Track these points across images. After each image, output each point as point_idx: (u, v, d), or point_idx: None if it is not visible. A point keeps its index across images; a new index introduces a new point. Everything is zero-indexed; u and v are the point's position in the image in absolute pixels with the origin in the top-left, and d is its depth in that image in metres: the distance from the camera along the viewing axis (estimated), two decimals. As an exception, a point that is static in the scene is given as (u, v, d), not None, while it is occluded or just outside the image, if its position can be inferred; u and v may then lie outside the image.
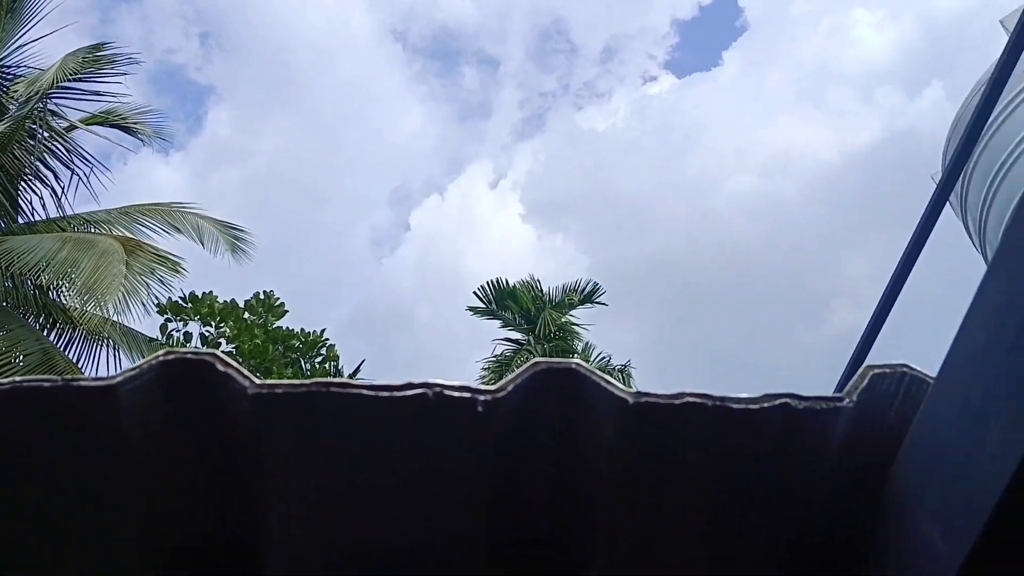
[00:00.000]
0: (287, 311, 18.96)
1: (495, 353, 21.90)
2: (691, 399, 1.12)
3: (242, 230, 18.34)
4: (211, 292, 18.07)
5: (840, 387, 1.54)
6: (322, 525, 1.18)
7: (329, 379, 1.08)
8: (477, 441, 1.12)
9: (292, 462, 1.12)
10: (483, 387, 1.11)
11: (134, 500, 1.17)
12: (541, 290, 22.35)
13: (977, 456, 0.99)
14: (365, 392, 1.08)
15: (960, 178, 6.16)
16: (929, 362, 1.19)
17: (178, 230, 17.19)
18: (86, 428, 1.08)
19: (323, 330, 19.01)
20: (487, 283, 22.63)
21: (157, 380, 1.06)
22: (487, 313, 22.56)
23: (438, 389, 1.09)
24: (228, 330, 18.07)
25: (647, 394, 1.12)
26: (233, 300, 18.44)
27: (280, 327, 18.70)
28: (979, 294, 1.00)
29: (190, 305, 17.56)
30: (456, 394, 1.10)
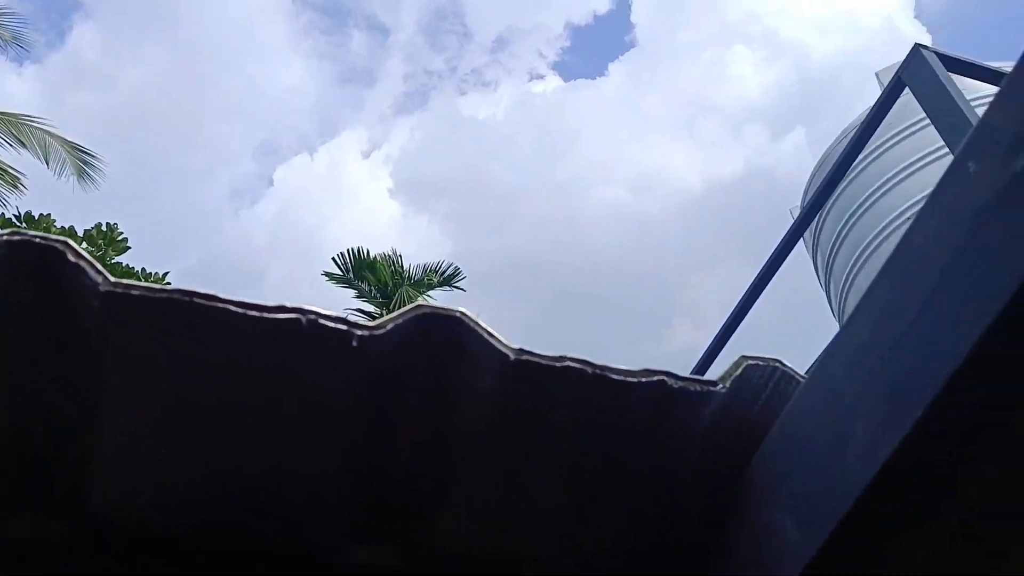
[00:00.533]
0: (129, 247, 17.93)
1: (345, 322, 21.48)
2: (572, 363, 1.10)
3: (92, 155, 17.17)
4: (49, 215, 16.88)
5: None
6: (162, 443, 1.09)
7: (195, 289, 0.98)
8: (349, 375, 1.06)
9: (138, 371, 1.02)
10: (361, 322, 1.05)
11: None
12: (402, 266, 22.12)
13: (842, 454, 1.02)
14: (233, 308, 0.99)
15: (816, 216, 6.50)
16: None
17: (23, 144, 15.96)
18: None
19: (166, 273, 18.11)
20: (347, 251, 22.18)
21: (-4, 260, 0.94)
22: (343, 281, 22.11)
23: (312, 316, 1.02)
24: (62, 258, 16.90)
25: (529, 352, 1.09)
26: (72, 227, 17.28)
27: (119, 263, 17.65)
28: (867, 294, 1.02)
29: (24, 225, 16.32)
30: (331, 324, 1.03)
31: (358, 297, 22.08)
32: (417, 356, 1.10)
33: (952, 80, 4.21)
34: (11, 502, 1.16)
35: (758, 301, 5.23)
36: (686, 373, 1.16)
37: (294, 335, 1.01)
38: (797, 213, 7.82)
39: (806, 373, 1.19)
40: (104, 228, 17.93)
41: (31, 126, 16.13)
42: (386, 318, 1.06)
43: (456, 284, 22.21)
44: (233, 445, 1.12)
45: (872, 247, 6.63)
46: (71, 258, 0.96)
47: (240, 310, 0.99)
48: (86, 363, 1.01)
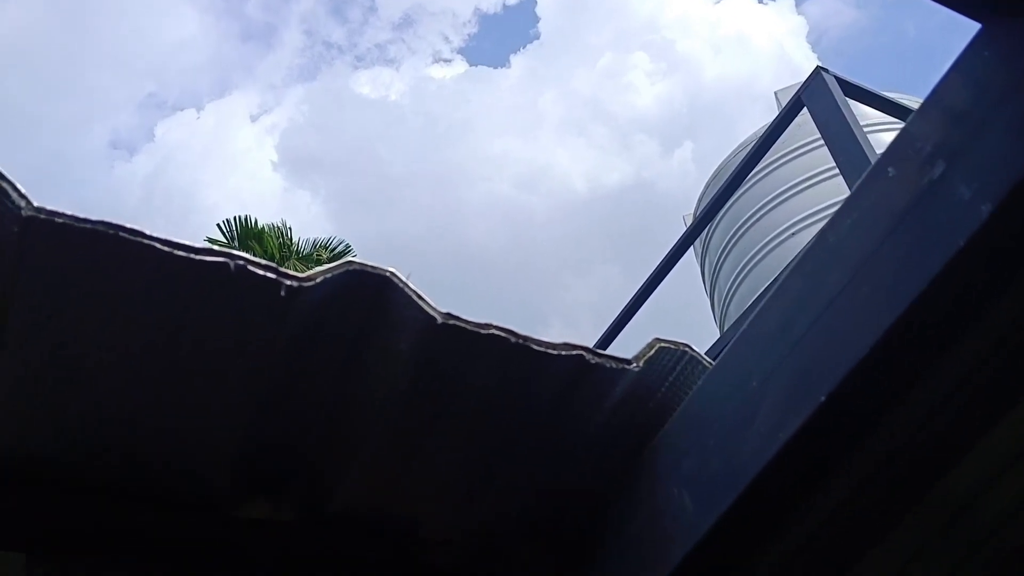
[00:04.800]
0: None
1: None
2: (497, 331, 1.12)
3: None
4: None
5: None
6: (64, 381, 1.05)
7: (122, 222, 0.95)
8: (272, 325, 1.04)
9: (50, 302, 0.98)
10: (290, 272, 1.04)
11: None
12: (291, 239, 21.60)
13: (744, 435, 1.07)
14: (159, 246, 0.97)
15: (708, 225, 6.72)
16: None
17: None
18: None
19: None
20: (234, 218, 21.40)
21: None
22: (228, 249, 21.46)
23: (242, 262, 1.01)
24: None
25: (456, 317, 1.10)
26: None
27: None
28: (780, 287, 1.07)
29: None
30: (260, 272, 1.01)
31: (243, 266, 21.46)
32: (342, 311, 1.09)
33: (848, 104, 4.44)
34: None
35: (642, 306, 5.37)
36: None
37: (220, 279, 0.99)
38: (690, 220, 8.08)
39: (713, 360, 1.25)
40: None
41: None
42: (317, 270, 1.05)
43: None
44: (141, 387, 1.09)
45: (756, 259, 6.91)
46: (-9, 178, 0.91)
47: (166, 248, 0.97)
48: (-4, 289, 0.96)
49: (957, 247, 0.86)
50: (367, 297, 1.09)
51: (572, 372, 1.17)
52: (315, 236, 22.13)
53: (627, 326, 5.43)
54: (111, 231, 0.95)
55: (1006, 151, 0.84)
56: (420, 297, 1.09)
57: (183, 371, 1.08)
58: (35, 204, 0.91)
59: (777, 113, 5.13)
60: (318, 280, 1.04)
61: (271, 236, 21.85)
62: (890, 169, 0.96)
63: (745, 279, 7.24)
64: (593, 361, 1.17)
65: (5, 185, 0.91)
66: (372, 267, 1.09)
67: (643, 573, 1.20)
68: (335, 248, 22.30)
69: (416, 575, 1.35)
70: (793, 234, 6.29)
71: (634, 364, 1.21)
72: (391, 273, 1.09)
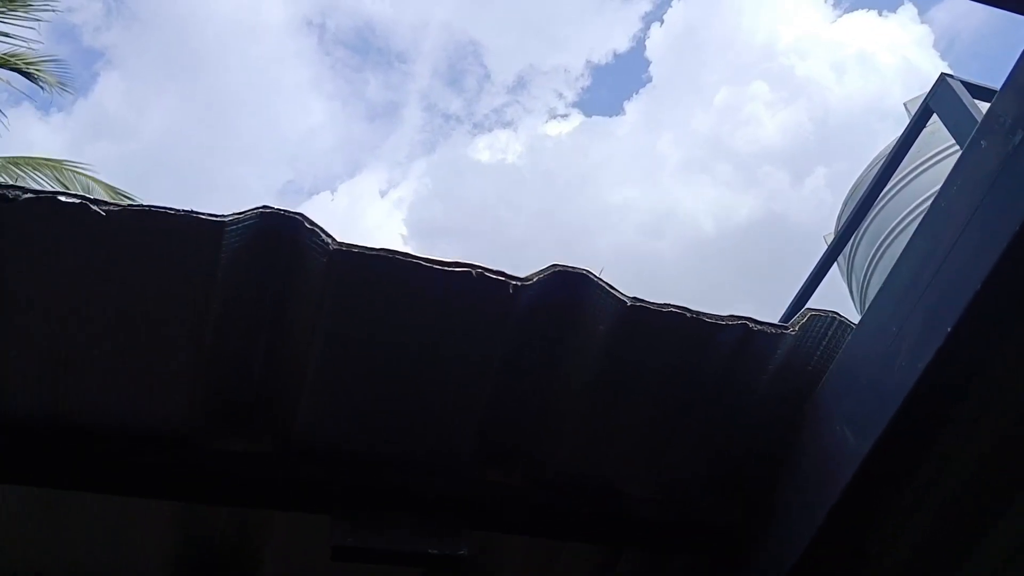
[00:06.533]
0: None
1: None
2: (674, 309, 1.41)
3: (133, 198, 17.80)
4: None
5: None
6: (362, 381, 1.40)
7: (395, 247, 1.31)
8: (501, 319, 1.37)
9: (355, 313, 1.34)
10: (514, 274, 1.36)
11: None
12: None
13: (890, 371, 1.31)
14: (423, 263, 1.32)
15: (850, 242, 6.74)
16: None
17: (67, 189, 16.52)
18: None
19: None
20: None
21: (255, 227, 1.28)
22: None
23: (480, 269, 1.34)
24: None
25: (641, 300, 1.40)
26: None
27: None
28: (908, 246, 1.32)
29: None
30: (493, 276, 1.35)
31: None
32: (552, 302, 1.41)
33: (977, 107, 4.49)
34: None
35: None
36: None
37: (466, 282, 1.33)
38: (830, 240, 8.06)
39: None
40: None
41: (74, 171, 16.75)
42: (531, 273, 1.38)
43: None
44: (416, 378, 1.43)
45: (905, 271, 6.88)
46: (308, 225, 1.29)
47: (427, 264, 1.32)
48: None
49: (1041, 193, 1.10)
50: (570, 288, 1.40)
51: (739, 339, 1.44)
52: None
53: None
54: (389, 255, 1.30)
55: (1070, 114, 1.08)
56: (611, 287, 1.40)
57: (440, 359, 1.42)
58: (339, 240, 1.28)
59: (907, 124, 5.21)
60: (535, 280, 1.37)
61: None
62: (982, 142, 1.21)
63: (895, 293, 7.16)
64: (755, 328, 1.44)
65: (316, 228, 1.28)
66: (572, 267, 1.40)
67: (816, 504, 1.44)
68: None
69: (620, 525, 1.63)
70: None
71: (791, 329, 1.46)
72: (587, 271, 1.40)
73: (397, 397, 1.46)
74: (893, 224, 6.96)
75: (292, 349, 1.40)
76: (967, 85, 4.68)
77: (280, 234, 1.31)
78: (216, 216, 1.24)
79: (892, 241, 7.05)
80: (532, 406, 1.53)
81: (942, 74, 4.75)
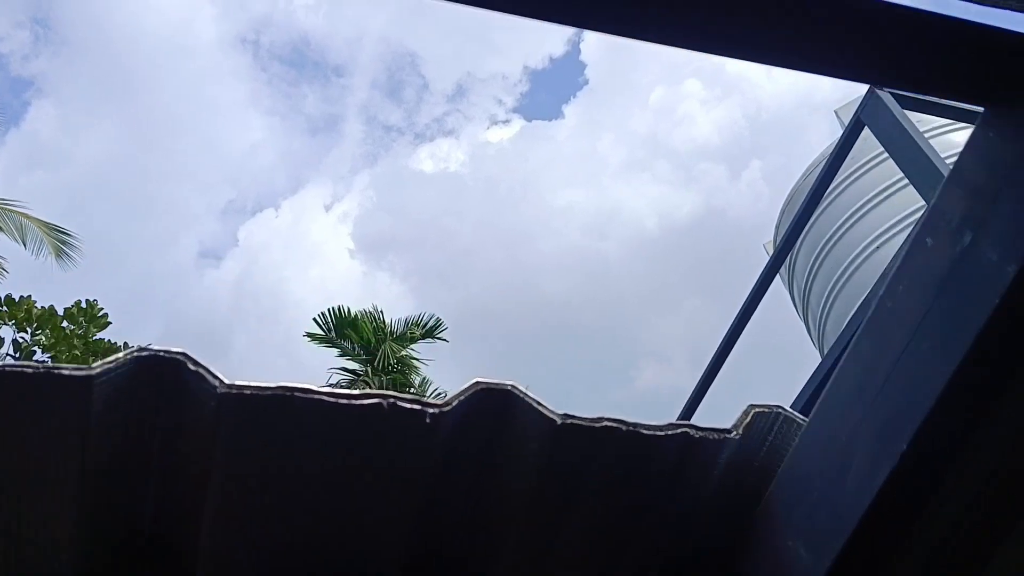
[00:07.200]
0: (110, 323, 17.92)
1: (331, 382, 21.54)
2: (609, 423, 1.29)
3: (69, 234, 17.32)
4: (30, 296, 16.87)
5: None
6: (268, 512, 1.26)
7: (295, 384, 1.17)
8: (423, 450, 1.24)
9: (244, 461, 1.20)
10: (432, 401, 1.23)
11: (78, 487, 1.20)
12: (383, 321, 22.25)
13: (842, 485, 1.21)
14: (326, 398, 1.18)
15: (790, 250, 6.76)
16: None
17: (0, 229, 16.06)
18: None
19: (124, 344, 18.08)
20: (328, 310, 22.29)
21: (130, 373, 1.12)
22: (326, 341, 22.19)
23: (392, 400, 1.21)
24: (44, 339, 16.89)
25: (572, 416, 1.28)
26: (52, 307, 17.28)
27: (102, 339, 17.64)
28: (852, 349, 1.22)
29: (5, 309, 16.31)
30: (407, 405, 1.21)
31: (341, 356, 22.18)
32: (476, 424, 1.28)
33: (907, 117, 4.51)
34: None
35: (739, 338, 5.46)
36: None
37: (377, 417, 1.20)
38: (771, 249, 8.12)
39: (802, 414, 1.39)
40: (84, 305, 17.91)
41: (7, 209, 16.23)
42: (450, 396, 1.25)
43: (438, 335, 22.35)
44: (321, 513, 1.29)
45: (845, 277, 6.92)
46: (191, 367, 1.14)
47: (331, 399, 1.18)
48: (198, 456, 1.19)
49: (993, 304, 1.00)
50: (495, 409, 1.28)
51: (680, 448, 1.33)
52: (405, 315, 22.77)
53: (727, 360, 5.53)
54: (287, 392, 1.16)
55: (1020, 218, 0.99)
56: (539, 403, 1.27)
57: (353, 494, 1.28)
58: (227, 382, 1.14)
59: (840, 133, 5.22)
60: (454, 404, 1.24)
61: (365, 322, 22.58)
62: (928, 240, 1.11)
63: (838, 298, 7.24)
64: (697, 436, 1.33)
65: (201, 369, 1.14)
66: (496, 384, 1.28)
67: (774, 618, 1.33)
68: (426, 323, 22.85)
69: (570, 644, 1.50)
70: (877, 248, 6.30)
71: (734, 432, 1.36)
72: (512, 386, 1.28)
73: (310, 532, 1.32)
74: (831, 231, 7.02)
75: (186, 494, 1.26)
76: (896, 96, 4.70)
77: (162, 377, 1.16)
78: (82, 370, 1.09)
79: (831, 248, 7.10)
80: (463, 531, 1.40)
81: (871, 87, 4.76)
